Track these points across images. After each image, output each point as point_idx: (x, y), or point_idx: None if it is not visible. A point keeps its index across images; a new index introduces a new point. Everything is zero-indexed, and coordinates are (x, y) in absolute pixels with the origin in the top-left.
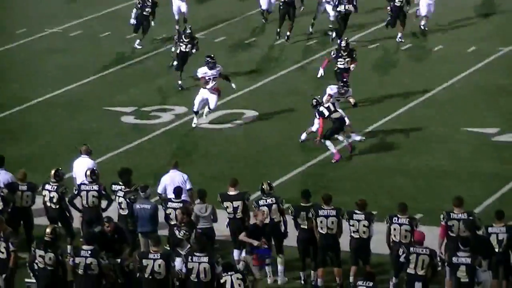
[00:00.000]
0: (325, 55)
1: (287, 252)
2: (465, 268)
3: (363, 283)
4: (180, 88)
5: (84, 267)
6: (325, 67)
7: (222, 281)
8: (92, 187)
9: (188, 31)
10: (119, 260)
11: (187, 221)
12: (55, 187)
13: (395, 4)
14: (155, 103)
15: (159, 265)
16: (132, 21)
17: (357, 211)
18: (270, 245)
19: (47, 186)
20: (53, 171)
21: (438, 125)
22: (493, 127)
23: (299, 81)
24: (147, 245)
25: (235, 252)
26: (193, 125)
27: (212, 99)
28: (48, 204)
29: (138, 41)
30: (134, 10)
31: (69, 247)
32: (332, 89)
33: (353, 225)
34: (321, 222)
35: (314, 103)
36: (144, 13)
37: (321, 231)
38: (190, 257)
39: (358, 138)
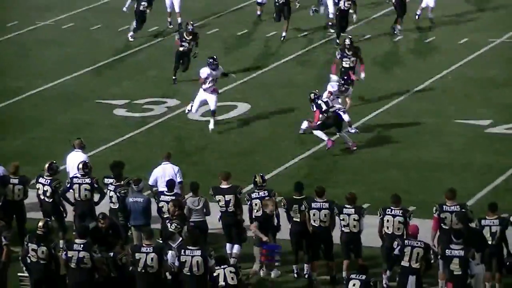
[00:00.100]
0: (333, 60)
1: (280, 245)
2: (458, 260)
3: (356, 276)
4: (174, 83)
5: (77, 261)
6: (336, 72)
7: (215, 274)
8: (85, 180)
9: (190, 27)
10: (112, 254)
11: (179, 214)
12: (49, 180)
13: None
14: (147, 95)
15: (152, 259)
16: (125, 9)
17: (347, 205)
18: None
19: (41, 180)
20: (47, 165)
21: (430, 117)
22: (486, 119)
23: (293, 73)
24: (140, 239)
25: (228, 246)
26: (186, 110)
27: (212, 100)
28: (42, 197)
29: (131, 33)
30: (129, 1)
31: (61, 241)
32: (333, 87)
33: (343, 219)
34: (314, 214)
35: (312, 97)
36: (140, 8)
37: (314, 223)
38: (182, 251)
39: (352, 130)
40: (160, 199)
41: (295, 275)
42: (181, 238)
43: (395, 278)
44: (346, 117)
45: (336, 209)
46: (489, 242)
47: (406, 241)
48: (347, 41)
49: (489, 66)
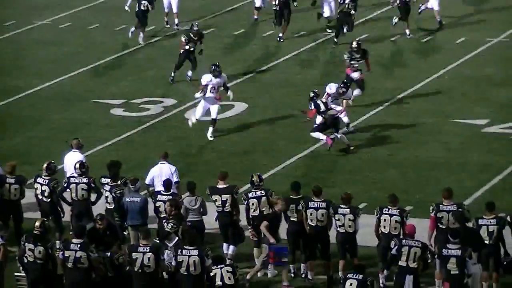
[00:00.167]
0: (345, 63)
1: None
2: (455, 260)
3: (353, 275)
4: (171, 81)
5: (74, 261)
6: (351, 73)
7: (212, 274)
8: (82, 180)
9: (195, 28)
10: (108, 254)
11: (176, 214)
12: (47, 180)
13: None
14: (144, 95)
15: (149, 258)
16: (127, 7)
17: (342, 205)
18: (260, 238)
19: (39, 179)
20: (45, 164)
21: (428, 117)
22: (482, 118)
23: (290, 73)
24: (137, 238)
25: (225, 246)
26: (190, 124)
27: (214, 109)
28: (40, 197)
29: (141, 35)
30: (130, 0)
31: (57, 242)
32: (331, 89)
33: (338, 219)
34: (311, 214)
35: (312, 95)
36: (141, 7)
37: (311, 223)
38: (179, 250)
39: (351, 129)
40: (157, 198)
41: (292, 274)
42: (177, 238)
43: (393, 277)
44: (345, 119)
45: (331, 209)
46: (486, 242)
47: (403, 241)
48: (354, 44)
49: (486, 66)
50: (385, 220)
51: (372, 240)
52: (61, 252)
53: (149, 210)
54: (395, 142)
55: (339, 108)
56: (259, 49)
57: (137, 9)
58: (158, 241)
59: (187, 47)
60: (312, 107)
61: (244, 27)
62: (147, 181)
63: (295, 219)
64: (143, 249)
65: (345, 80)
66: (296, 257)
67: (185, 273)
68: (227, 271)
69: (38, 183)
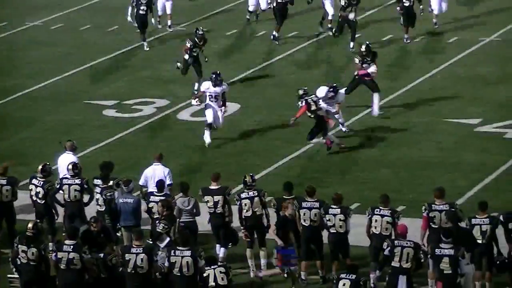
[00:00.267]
0: (355, 66)
1: (270, 245)
2: (448, 259)
3: (346, 275)
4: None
5: (67, 262)
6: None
7: (205, 274)
8: (75, 181)
9: (200, 32)
10: (102, 255)
11: (167, 214)
12: (42, 182)
13: (404, 4)
14: (136, 96)
15: (142, 259)
16: (129, 18)
17: (333, 206)
18: (253, 239)
19: (34, 181)
20: (40, 166)
21: (421, 116)
22: (475, 117)
23: (283, 73)
24: (130, 239)
25: (217, 247)
26: (207, 143)
27: (220, 116)
28: (34, 198)
29: (146, 44)
30: (130, 8)
31: (50, 244)
32: (320, 92)
33: (329, 220)
34: (304, 214)
35: (301, 93)
36: (140, 12)
37: (304, 223)
38: (172, 251)
39: (344, 129)
40: (150, 199)
41: (285, 275)
42: (168, 238)
43: (385, 278)
44: (341, 120)
45: (322, 209)
46: (479, 241)
47: (395, 242)
48: (363, 48)
49: (478, 65)
50: (376, 220)
51: (365, 240)
52: (54, 254)
53: (142, 211)
54: (388, 141)
55: (333, 110)
56: (251, 49)
57: (135, 14)
58: (151, 242)
59: (193, 53)
60: (303, 104)
61: (237, 28)
62: (141, 182)
63: None
64: (136, 250)
65: (334, 84)
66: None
67: (178, 274)
68: (220, 272)
69: (33, 184)
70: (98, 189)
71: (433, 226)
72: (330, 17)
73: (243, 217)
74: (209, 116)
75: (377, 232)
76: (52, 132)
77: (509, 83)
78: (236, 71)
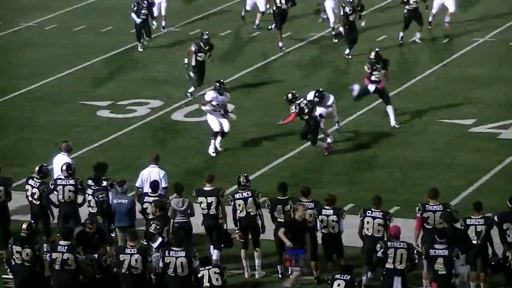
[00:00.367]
0: (364, 74)
1: (264, 245)
2: (443, 260)
3: (340, 276)
4: (190, 95)
5: (61, 263)
6: (367, 85)
7: (199, 275)
8: (69, 182)
9: (205, 36)
10: (96, 255)
11: (160, 215)
12: (38, 183)
13: (410, 6)
14: (130, 97)
15: (136, 260)
16: (138, 20)
17: (326, 207)
18: (248, 239)
19: (31, 181)
20: (37, 167)
21: (414, 116)
22: (469, 118)
23: (277, 74)
24: (124, 240)
25: (211, 248)
26: (212, 153)
27: (225, 123)
28: (30, 199)
29: (140, 45)
30: (133, 14)
31: (45, 245)
32: (309, 97)
33: (322, 221)
34: None
35: (290, 97)
36: (141, 16)
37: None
38: (167, 252)
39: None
40: (144, 200)
41: (279, 275)
42: (160, 239)
43: (379, 278)
44: (322, 124)
45: (315, 210)
46: (474, 242)
47: (388, 243)
48: (373, 55)
49: (472, 66)
50: (368, 222)
51: (359, 240)
52: (49, 254)
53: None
54: (382, 142)
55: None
56: (246, 50)
57: (137, 20)
58: (145, 243)
59: (199, 58)
60: (294, 109)
61: (230, 28)
62: (137, 184)
63: (282, 220)
64: (130, 250)
65: (320, 89)
66: (283, 258)
67: (173, 274)
68: (215, 272)
69: (30, 185)
70: (89, 191)
71: (427, 226)
72: (331, 24)
73: (237, 217)
74: (214, 125)
75: (369, 234)
76: (47, 133)
77: (503, 84)
78: (230, 71)
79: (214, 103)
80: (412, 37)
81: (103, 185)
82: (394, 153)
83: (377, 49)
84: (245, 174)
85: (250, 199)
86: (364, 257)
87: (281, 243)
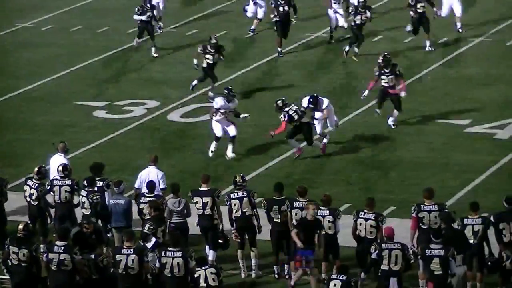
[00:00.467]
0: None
1: (261, 245)
2: (438, 260)
3: (337, 276)
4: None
5: (58, 263)
6: (371, 88)
7: (196, 275)
8: (65, 182)
9: (213, 40)
10: (93, 256)
11: (155, 215)
12: (36, 184)
13: (418, 10)
14: (127, 97)
15: (133, 260)
16: (143, 20)
17: (321, 207)
18: (244, 239)
19: (29, 182)
20: (36, 168)
21: (411, 117)
22: (465, 118)
23: (274, 74)
24: (120, 240)
25: (207, 248)
26: (210, 153)
27: (231, 129)
28: (28, 199)
29: (153, 49)
30: (136, 16)
31: (42, 245)
32: (303, 103)
33: None
34: (295, 214)
35: (280, 105)
36: (145, 18)
37: (295, 223)
38: (163, 252)
39: (331, 128)
40: (141, 200)
41: (276, 275)
42: (154, 239)
43: (373, 279)
44: (318, 129)
45: None
46: (471, 241)
47: (383, 245)
48: (380, 60)
49: (468, 66)
50: (360, 224)
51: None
52: (45, 255)
53: (133, 212)
54: (378, 142)
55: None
56: (242, 50)
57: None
58: (142, 243)
59: (208, 60)
60: (285, 118)
61: (227, 29)
62: (136, 184)
63: (279, 220)
64: (127, 251)
65: (314, 95)
66: (279, 258)
67: (169, 274)
68: (211, 273)
69: (28, 185)
70: (83, 193)
71: (422, 226)
72: (340, 24)
73: (233, 217)
74: (218, 131)
75: (362, 236)
76: (43, 133)
77: (499, 84)
78: (227, 72)
79: (222, 110)
80: (408, 38)
81: (98, 185)
82: (390, 153)
83: (385, 53)
84: (241, 174)
85: (245, 199)
86: (357, 258)
87: (278, 244)
